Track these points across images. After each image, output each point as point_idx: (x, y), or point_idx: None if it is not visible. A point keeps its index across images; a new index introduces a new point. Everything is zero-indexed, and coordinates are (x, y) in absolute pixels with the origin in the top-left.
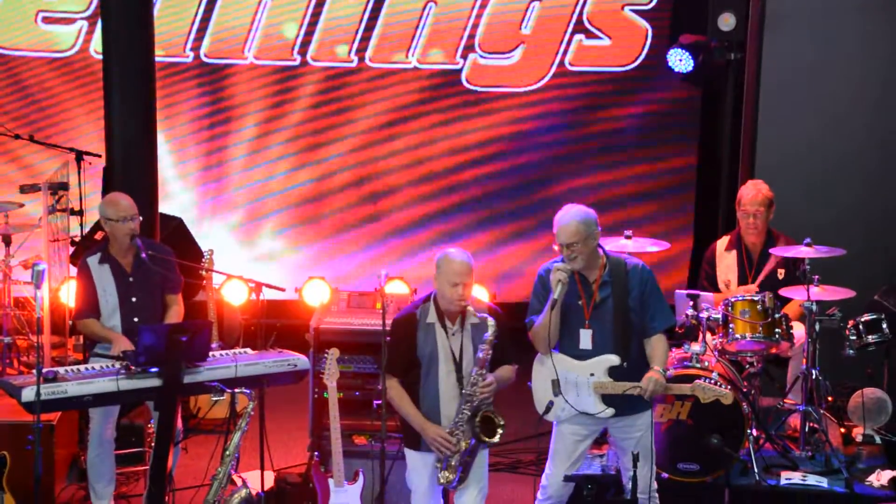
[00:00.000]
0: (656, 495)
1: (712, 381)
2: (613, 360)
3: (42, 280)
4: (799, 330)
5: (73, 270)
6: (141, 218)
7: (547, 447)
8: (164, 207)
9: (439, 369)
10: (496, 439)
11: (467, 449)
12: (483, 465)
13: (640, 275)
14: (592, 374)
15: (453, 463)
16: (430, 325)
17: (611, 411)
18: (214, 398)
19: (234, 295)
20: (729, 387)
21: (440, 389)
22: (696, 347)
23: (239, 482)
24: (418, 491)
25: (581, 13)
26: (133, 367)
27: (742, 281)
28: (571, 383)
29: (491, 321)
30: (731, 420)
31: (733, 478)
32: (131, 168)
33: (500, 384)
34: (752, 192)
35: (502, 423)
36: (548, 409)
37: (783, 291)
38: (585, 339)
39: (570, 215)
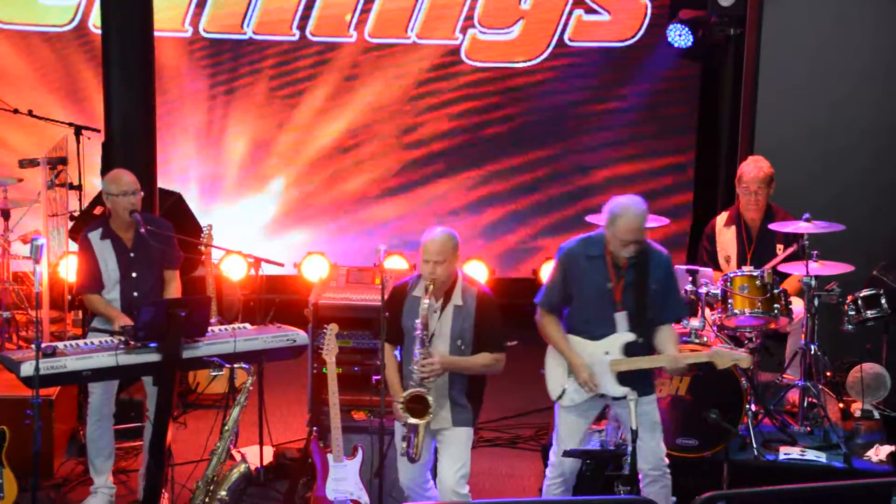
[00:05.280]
0: (668, 471)
1: (728, 347)
2: (628, 336)
3: (41, 255)
4: (798, 305)
5: (73, 245)
6: (143, 193)
7: (545, 423)
8: (163, 182)
9: (416, 343)
10: (420, 422)
11: (410, 426)
12: (461, 444)
13: (663, 259)
14: (607, 353)
15: (405, 433)
16: (415, 298)
17: (625, 390)
18: (213, 373)
19: (233, 270)
20: (744, 350)
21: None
22: (694, 323)
23: (238, 457)
24: (403, 459)
25: None
26: (132, 342)
27: (741, 256)
28: (586, 365)
29: (426, 303)
30: (729, 395)
31: (732, 453)
32: (130, 143)
33: (461, 369)
34: (754, 171)
35: (431, 408)
36: (562, 395)
37: (782, 267)
38: (622, 321)
39: (635, 211)
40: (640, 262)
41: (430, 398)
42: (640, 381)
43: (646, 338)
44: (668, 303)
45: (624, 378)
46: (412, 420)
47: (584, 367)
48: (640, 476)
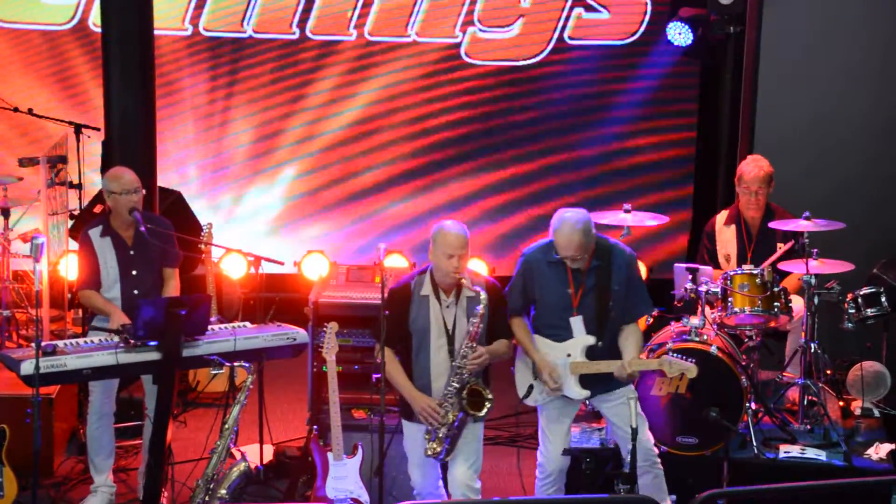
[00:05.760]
0: (657, 460)
1: (681, 357)
2: (589, 340)
3: (41, 253)
4: (798, 303)
5: (73, 244)
6: (144, 191)
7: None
8: (163, 181)
9: (431, 342)
10: (483, 413)
11: (454, 422)
12: (476, 440)
13: (626, 259)
14: (569, 355)
15: (440, 435)
16: (424, 298)
17: (586, 393)
18: (213, 372)
19: (233, 268)
20: (694, 360)
21: (431, 363)
22: (694, 321)
23: (238, 455)
24: (414, 460)
25: None
26: (132, 341)
27: (741, 255)
28: (549, 362)
29: (483, 295)
30: (729, 393)
31: (732, 451)
32: (130, 141)
33: (493, 358)
34: (754, 171)
35: (490, 397)
36: (528, 393)
37: (782, 265)
38: (577, 325)
39: (571, 228)
40: (602, 265)
41: (486, 390)
42: (603, 383)
43: (610, 339)
44: (631, 303)
45: (586, 381)
46: (478, 413)
47: (546, 365)
48: None
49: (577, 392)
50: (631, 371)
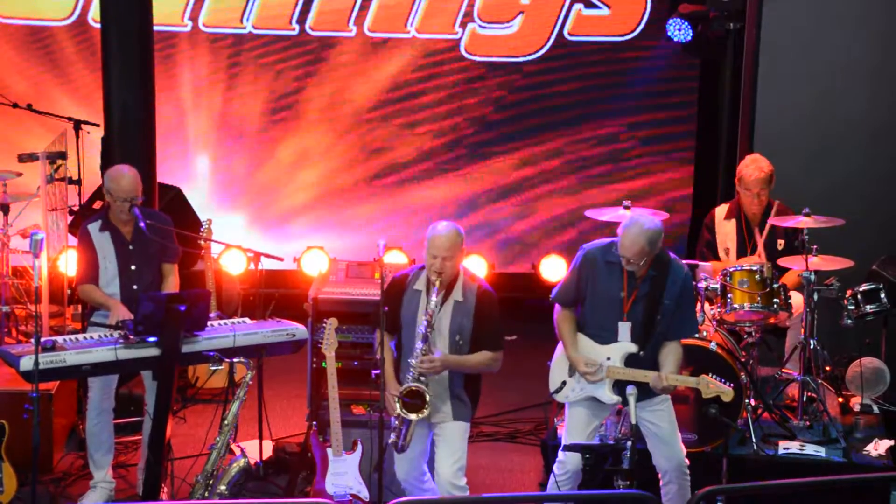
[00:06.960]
0: (687, 472)
1: (717, 378)
2: (631, 348)
3: (40, 249)
4: (797, 300)
5: (72, 240)
6: (143, 198)
7: (544, 417)
8: (163, 177)
9: (415, 336)
10: (414, 417)
11: (402, 419)
12: (460, 439)
13: (682, 275)
14: (609, 359)
15: (395, 424)
16: (416, 292)
17: (617, 399)
18: (213, 368)
19: (233, 264)
20: (732, 385)
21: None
22: None
23: (237, 451)
24: (399, 454)
25: None
26: (131, 337)
27: (741, 250)
28: (583, 357)
29: (432, 300)
30: None
31: (731, 447)
32: (130, 137)
33: (464, 368)
34: (755, 173)
35: (428, 403)
36: (559, 389)
37: (782, 261)
38: (624, 331)
39: (639, 230)
40: (658, 275)
41: (427, 394)
42: (638, 389)
43: (653, 351)
44: (678, 320)
45: (620, 388)
46: (410, 415)
47: (580, 359)
48: (659, 475)
49: (608, 396)
50: (666, 384)
